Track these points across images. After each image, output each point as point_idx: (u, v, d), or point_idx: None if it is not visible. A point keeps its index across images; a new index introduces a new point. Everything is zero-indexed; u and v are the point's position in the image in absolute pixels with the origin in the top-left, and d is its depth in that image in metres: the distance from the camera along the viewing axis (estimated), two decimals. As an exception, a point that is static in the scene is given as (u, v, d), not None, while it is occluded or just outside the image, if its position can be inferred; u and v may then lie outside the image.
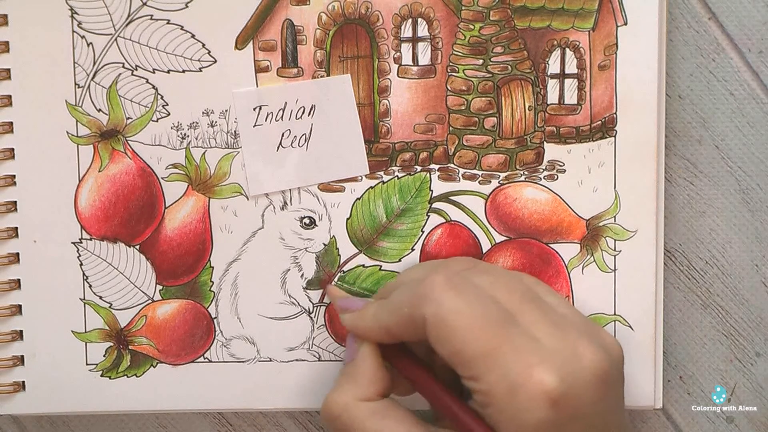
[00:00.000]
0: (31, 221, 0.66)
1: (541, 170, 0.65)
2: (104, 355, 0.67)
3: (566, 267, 0.66)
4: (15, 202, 0.66)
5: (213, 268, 0.66)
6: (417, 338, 0.58)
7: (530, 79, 0.65)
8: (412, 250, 0.66)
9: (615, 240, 0.65)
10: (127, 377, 0.67)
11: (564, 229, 0.65)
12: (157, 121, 0.65)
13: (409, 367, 0.61)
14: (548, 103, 0.65)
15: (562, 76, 0.65)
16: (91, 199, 0.66)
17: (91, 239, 0.66)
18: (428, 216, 0.66)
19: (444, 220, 0.66)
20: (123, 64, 0.65)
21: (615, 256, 0.65)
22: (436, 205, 0.66)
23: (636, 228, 0.65)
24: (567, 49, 0.64)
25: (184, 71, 0.65)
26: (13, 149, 0.66)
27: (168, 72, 0.65)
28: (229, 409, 0.68)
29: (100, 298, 0.66)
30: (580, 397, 0.55)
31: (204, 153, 0.66)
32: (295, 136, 0.65)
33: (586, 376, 0.55)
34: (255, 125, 0.65)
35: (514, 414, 0.54)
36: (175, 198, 0.66)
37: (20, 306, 0.66)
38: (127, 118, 0.65)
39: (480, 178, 0.66)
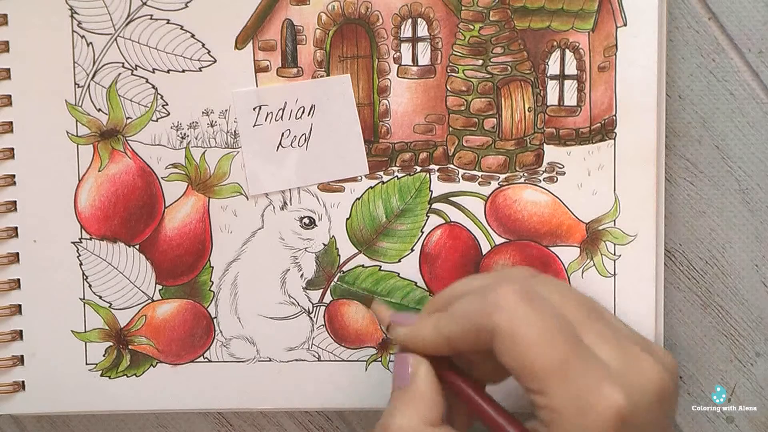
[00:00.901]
0: (31, 221, 0.66)
1: (541, 172, 0.65)
2: (104, 355, 0.67)
3: (566, 271, 0.65)
4: (15, 202, 0.66)
5: (213, 267, 0.66)
6: (478, 348, 0.57)
7: (530, 80, 0.65)
8: (412, 250, 0.66)
9: (615, 244, 0.65)
10: (127, 377, 0.67)
11: (563, 232, 0.65)
12: (156, 120, 0.65)
13: (461, 383, 0.59)
14: (548, 104, 0.65)
15: (561, 77, 0.65)
16: (90, 199, 0.66)
17: (90, 239, 0.66)
18: (428, 216, 0.66)
19: (443, 221, 0.66)
20: (123, 63, 0.65)
21: (615, 260, 0.65)
22: (435, 205, 0.66)
23: (636, 232, 0.65)
24: (567, 50, 0.64)
25: (183, 71, 0.65)
26: (13, 149, 0.66)
27: (168, 72, 0.65)
28: (229, 409, 0.68)
29: (100, 297, 0.67)
30: (645, 414, 0.55)
31: (204, 153, 0.66)
32: (295, 136, 0.65)
33: (650, 394, 0.55)
34: (255, 125, 0.65)
35: (580, 431, 0.54)
36: (175, 198, 0.66)
37: (20, 306, 0.67)
38: (127, 118, 0.65)
39: (480, 179, 0.65)
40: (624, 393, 0.54)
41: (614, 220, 0.65)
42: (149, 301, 0.67)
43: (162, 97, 0.65)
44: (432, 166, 0.66)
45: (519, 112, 0.65)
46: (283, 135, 0.65)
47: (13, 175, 0.66)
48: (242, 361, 0.67)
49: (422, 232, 0.66)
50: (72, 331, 0.67)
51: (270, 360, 0.67)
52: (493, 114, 0.65)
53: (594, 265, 0.65)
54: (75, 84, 0.65)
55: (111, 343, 0.67)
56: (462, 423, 0.61)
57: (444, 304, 0.59)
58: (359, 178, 0.66)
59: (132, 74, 0.65)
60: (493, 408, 0.58)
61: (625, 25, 0.64)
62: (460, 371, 0.60)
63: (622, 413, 0.54)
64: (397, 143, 0.66)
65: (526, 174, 0.65)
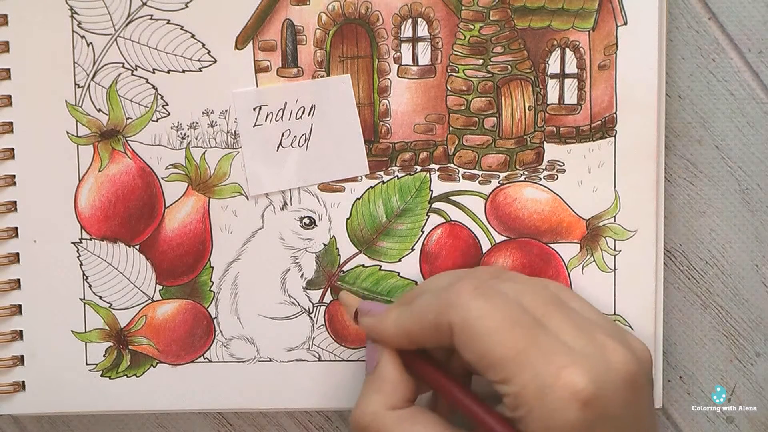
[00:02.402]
0: (31, 221, 0.66)
1: (541, 170, 0.65)
2: (104, 355, 0.67)
3: (566, 267, 0.66)
4: (15, 202, 0.66)
5: (213, 268, 0.66)
6: (439, 345, 0.58)
7: (530, 79, 0.65)
8: (412, 250, 0.66)
9: (615, 240, 0.65)
10: (127, 377, 0.67)
11: (564, 229, 0.65)
12: (157, 121, 0.65)
13: (430, 372, 0.60)
14: (548, 103, 0.65)
15: (562, 76, 0.65)
16: (91, 199, 0.66)
17: (91, 239, 0.66)
18: (428, 216, 0.66)
19: (444, 220, 0.66)
20: (123, 64, 0.65)
21: (615, 256, 0.65)
22: (436, 205, 0.66)
23: (636, 228, 0.65)
24: (567, 49, 0.64)
25: (184, 71, 0.65)
26: (13, 149, 0.66)
27: (168, 72, 0.65)
28: (229, 409, 0.68)
29: (100, 298, 0.66)
30: (610, 399, 0.55)
31: (204, 153, 0.66)
32: (295, 136, 0.65)
33: (615, 379, 0.55)
34: (255, 125, 0.65)
35: (544, 415, 0.54)
36: (175, 198, 0.66)
37: (20, 306, 0.66)
38: (127, 118, 0.65)
39: (480, 178, 0.66)
40: (586, 376, 0.54)
41: (614, 216, 0.65)
42: (149, 301, 0.67)
43: (162, 98, 0.65)
44: (432, 166, 0.66)
45: (519, 110, 0.65)
46: (283, 135, 0.65)
47: (13, 175, 0.66)
48: (242, 361, 0.67)
49: (422, 232, 0.66)
50: (72, 331, 0.67)
51: (270, 360, 0.67)
52: (494, 113, 0.65)
53: (594, 260, 0.65)
54: (75, 84, 0.65)
55: (111, 344, 0.67)
56: (443, 409, 0.62)
57: (409, 300, 0.60)
58: (359, 178, 0.66)
59: (132, 74, 0.65)
60: (464, 393, 0.59)
61: (625, 24, 0.64)
62: (430, 360, 0.61)
63: (583, 395, 0.54)
64: (398, 143, 0.66)
65: (526, 172, 0.65)
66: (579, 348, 0.56)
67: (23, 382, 0.67)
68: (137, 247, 0.66)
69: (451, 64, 0.65)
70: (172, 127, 0.65)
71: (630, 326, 0.65)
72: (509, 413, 0.56)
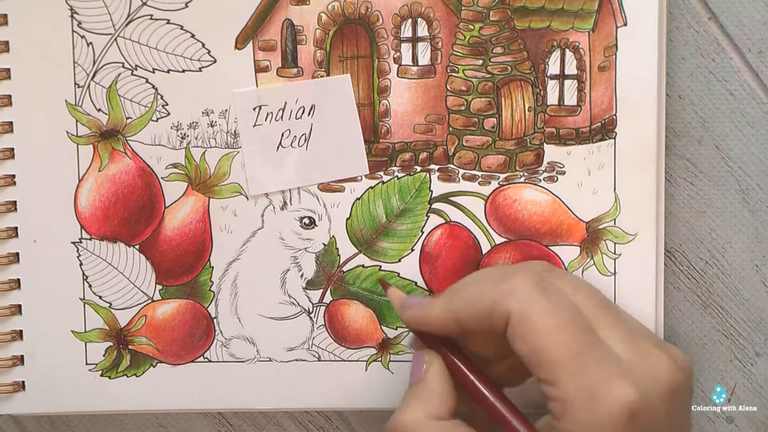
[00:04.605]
0: (31, 221, 0.66)
1: (541, 172, 0.65)
2: (104, 355, 0.67)
3: (566, 269, 0.65)
4: (15, 202, 0.66)
5: (213, 268, 0.66)
6: (488, 331, 0.58)
7: (530, 80, 0.65)
8: (412, 250, 0.66)
9: (615, 243, 0.65)
10: (127, 377, 0.67)
11: (564, 231, 0.65)
12: (156, 121, 0.65)
13: (461, 367, 0.60)
14: (548, 104, 0.65)
15: (561, 77, 0.65)
16: (90, 199, 0.66)
17: (90, 239, 0.66)
18: (428, 216, 0.66)
19: (444, 221, 0.66)
20: (123, 63, 0.65)
21: (615, 259, 0.65)
22: (435, 205, 0.66)
23: (636, 231, 0.65)
24: (567, 50, 0.64)
25: (183, 71, 0.65)
26: (13, 149, 0.66)
27: (168, 72, 0.65)
28: (229, 409, 0.68)
29: (100, 297, 0.67)
30: (656, 410, 0.55)
31: (204, 153, 0.66)
32: (295, 136, 0.65)
33: (661, 390, 0.55)
34: (255, 125, 0.65)
35: (590, 424, 0.54)
36: (175, 198, 0.66)
37: (20, 306, 0.67)
38: (127, 118, 0.65)
39: (480, 179, 0.65)
40: (635, 387, 0.54)
41: (614, 219, 0.65)
42: (149, 301, 0.67)
43: (162, 97, 0.65)
44: (432, 166, 0.66)
45: (519, 111, 0.65)
46: (283, 135, 0.65)
47: (13, 175, 0.66)
48: (242, 361, 0.67)
49: (422, 232, 0.66)
50: (72, 331, 0.67)
51: (270, 360, 0.67)
52: (493, 114, 0.65)
53: (594, 264, 0.65)
54: (75, 84, 0.65)
55: (111, 343, 0.67)
56: (482, 425, 0.61)
57: (459, 289, 0.60)
58: (359, 178, 0.66)
59: (132, 74, 0.65)
60: (503, 403, 0.59)
61: (625, 24, 0.64)
62: (474, 368, 0.60)
63: (632, 407, 0.54)
64: (397, 143, 0.66)
65: (526, 173, 0.65)
66: (628, 358, 0.56)
67: (23, 382, 0.67)
68: (137, 246, 0.66)
69: (451, 64, 0.65)
70: (172, 127, 0.65)
71: (630, 327, 0.65)
72: (552, 419, 0.55)
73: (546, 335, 0.55)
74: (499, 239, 0.66)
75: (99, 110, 0.65)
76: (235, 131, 0.65)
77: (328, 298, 0.67)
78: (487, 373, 0.61)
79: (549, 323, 0.55)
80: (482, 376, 0.60)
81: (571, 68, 0.65)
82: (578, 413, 0.54)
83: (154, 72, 0.65)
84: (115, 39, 0.65)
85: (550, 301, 0.56)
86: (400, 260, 0.66)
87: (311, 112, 0.65)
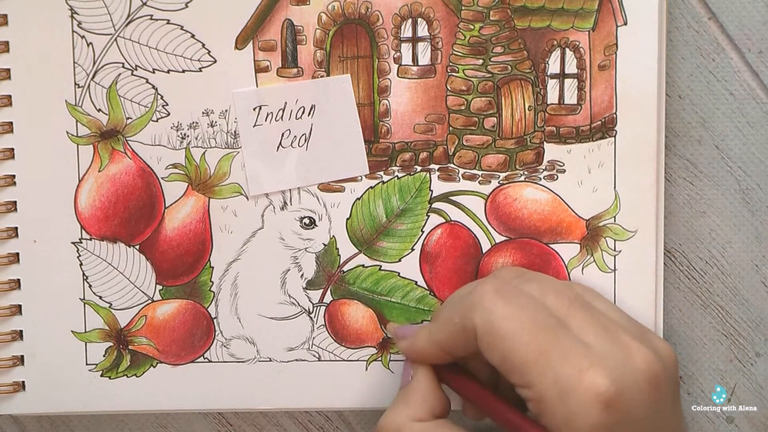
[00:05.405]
0: (31, 221, 0.66)
1: (541, 170, 0.65)
2: (104, 355, 0.67)
3: (566, 267, 0.66)
4: (15, 202, 0.66)
5: (213, 268, 0.66)
6: (470, 350, 0.58)
7: (530, 79, 0.65)
8: (412, 250, 0.66)
9: (615, 240, 0.65)
10: (127, 377, 0.67)
11: (564, 229, 0.65)
12: (157, 121, 0.65)
13: (466, 385, 0.61)
14: (548, 103, 0.65)
15: (562, 76, 0.65)
16: (90, 199, 0.66)
17: (90, 239, 0.66)
18: (428, 216, 0.66)
19: (444, 220, 0.66)
20: (123, 64, 0.65)
21: (615, 256, 0.65)
22: (436, 205, 0.66)
23: (636, 228, 0.65)
24: (567, 49, 0.64)
25: (183, 71, 0.65)
26: (13, 149, 0.66)
27: (168, 72, 0.65)
28: (229, 409, 0.68)
29: (100, 298, 0.66)
30: (633, 399, 0.55)
31: (204, 153, 0.66)
32: (295, 136, 0.65)
33: (638, 379, 0.55)
34: (255, 125, 0.65)
35: (567, 418, 0.54)
36: (175, 198, 0.66)
37: (20, 306, 0.67)
38: (127, 118, 0.65)
39: (480, 178, 0.66)
40: (608, 377, 0.54)
41: (614, 217, 0.65)
42: (149, 301, 0.67)
43: (162, 98, 0.65)
44: (432, 166, 0.66)
45: (519, 110, 0.65)
46: (283, 135, 0.65)
47: (13, 175, 0.66)
48: (242, 362, 0.67)
49: (422, 232, 0.66)
50: (72, 331, 0.67)
51: (270, 360, 0.67)
52: (494, 113, 0.65)
53: (594, 261, 0.65)
54: (75, 84, 0.65)
55: (111, 344, 0.67)
56: (475, 415, 0.63)
57: (439, 313, 0.61)
58: (359, 178, 0.66)
59: (132, 74, 0.65)
60: (497, 402, 0.59)
61: (625, 24, 0.64)
62: (467, 374, 0.61)
63: (605, 396, 0.54)
64: (398, 143, 0.66)
65: (526, 172, 0.65)
66: (601, 349, 0.55)
67: (23, 382, 0.67)
68: (137, 247, 0.66)
69: (451, 64, 0.65)
70: (172, 127, 0.65)
71: (630, 326, 0.65)
72: (535, 419, 0.56)
73: (510, 339, 0.56)
74: (499, 238, 0.66)
75: (99, 110, 0.65)
76: (235, 131, 0.65)
77: (328, 298, 0.67)
78: (501, 395, 0.61)
79: (511, 327, 0.56)
80: (477, 384, 0.61)
81: (571, 67, 0.65)
82: (553, 409, 0.54)
83: (154, 72, 0.65)
84: (115, 39, 0.65)
85: (510, 305, 0.56)
86: (400, 260, 0.66)
87: (311, 112, 0.65)
